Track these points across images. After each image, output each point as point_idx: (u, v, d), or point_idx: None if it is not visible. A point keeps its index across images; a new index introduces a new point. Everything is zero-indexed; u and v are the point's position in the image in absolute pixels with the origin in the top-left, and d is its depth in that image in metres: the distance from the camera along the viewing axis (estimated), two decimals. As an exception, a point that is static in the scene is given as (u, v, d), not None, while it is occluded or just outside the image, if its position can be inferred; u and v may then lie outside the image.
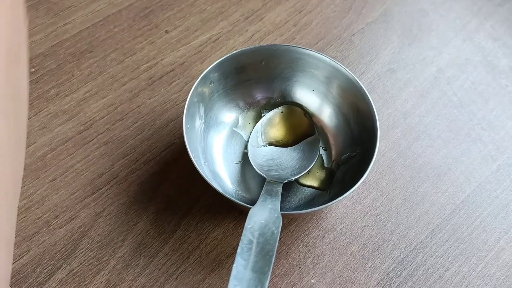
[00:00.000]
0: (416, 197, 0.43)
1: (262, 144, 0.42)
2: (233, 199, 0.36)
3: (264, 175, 0.40)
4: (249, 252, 0.32)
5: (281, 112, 0.44)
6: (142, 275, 0.38)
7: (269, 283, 0.38)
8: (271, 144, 0.43)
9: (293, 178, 0.40)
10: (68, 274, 0.38)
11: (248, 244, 0.32)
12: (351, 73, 0.41)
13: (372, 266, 0.39)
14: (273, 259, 0.32)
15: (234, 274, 0.31)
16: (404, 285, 0.39)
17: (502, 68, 0.50)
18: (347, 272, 0.39)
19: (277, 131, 0.43)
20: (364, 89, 0.40)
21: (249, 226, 0.34)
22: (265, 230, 0.33)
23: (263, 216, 0.34)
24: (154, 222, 0.40)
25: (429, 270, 0.39)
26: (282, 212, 0.35)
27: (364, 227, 0.41)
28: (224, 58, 0.41)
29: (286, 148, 0.42)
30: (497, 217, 0.42)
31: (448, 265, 0.40)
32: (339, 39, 0.51)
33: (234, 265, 0.32)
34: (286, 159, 0.41)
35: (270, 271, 0.31)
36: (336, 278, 0.39)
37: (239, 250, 0.32)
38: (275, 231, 0.33)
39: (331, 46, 0.50)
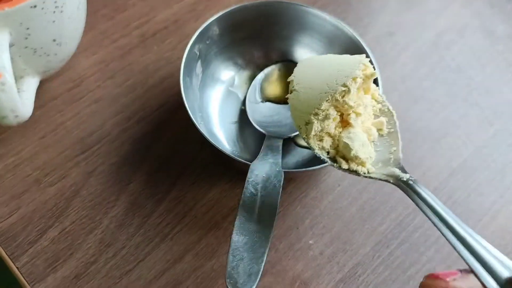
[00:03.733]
0: (413, 160, 0.42)
1: (259, 100, 0.41)
2: (232, 155, 0.35)
3: (263, 131, 0.39)
4: (252, 204, 0.31)
5: (279, 70, 0.42)
6: (137, 234, 0.37)
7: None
8: (269, 100, 0.41)
9: (292, 134, 0.39)
10: (60, 232, 0.36)
11: (251, 197, 0.31)
12: (354, 33, 0.40)
13: (370, 227, 0.39)
14: (276, 212, 0.31)
15: (237, 225, 0.31)
16: (401, 247, 0.39)
17: (499, 34, 0.49)
18: (345, 234, 0.39)
19: (275, 88, 0.42)
20: (367, 49, 0.40)
21: (250, 180, 0.33)
22: (267, 183, 0.32)
23: (264, 170, 0.34)
24: (148, 182, 0.39)
25: (427, 232, 0.39)
26: (283, 169, 0.34)
27: (363, 189, 0.41)
28: (223, 14, 0.40)
29: (285, 105, 0.41)
30: (493, 181, 0.42)
31: (445, 228, 0.40)
32: (337, 0, 0.50)
33: (238, 217, 0.31)
34: (285, 116, 0.40)
35: (274, 222, 0.31)
36: (334, 240, 0.38)
37: (241, 202, 0.31)
38: (277, 185, 0.32)
39: (328, 7, 0.49)
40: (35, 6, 0.30)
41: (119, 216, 0.38)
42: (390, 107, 0.34)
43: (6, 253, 0.35)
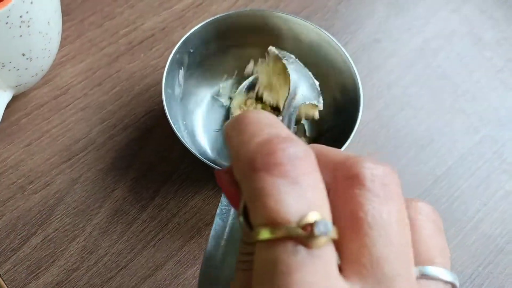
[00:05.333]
0: (397, 167, 0.42)
1: (244, 108, 0.42)
2: (212, 165, 0.35)
3: None
4: (228, 213, 0.31)
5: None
6: (119, 241, 0.38)
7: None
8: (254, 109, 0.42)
9: None
10: (43, 240, 0.37)
11: (227, 206, 0.32)
12: (336, 42, 0.40)
13: (352, 235, 0.39)
14: None
15: (212, 234, 0.31)
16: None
17: (487, 41, 0.49)
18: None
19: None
20: (350, 58, 0.40)
21: None
22: None
23: None
24: (132, 188, 0.40)
25: (409, 240, 0.39)
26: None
27: (345, 196, 0.41)
28: (206, 23, 0.40)
29: None
30: (477, 189, 0.42)
31: (427, 236, 0.40)
32: (324, 7, 0.50)
33: (213, 226, 0.31)
34: None
35: None
36: (316, 247, 0.39)
37: (218, 211, 0.32)
38: None
39: (316, 14, 0.49)
40: None
41: (102, 223, 0.38)
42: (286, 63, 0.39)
43: (-12, 261, 0.36)
